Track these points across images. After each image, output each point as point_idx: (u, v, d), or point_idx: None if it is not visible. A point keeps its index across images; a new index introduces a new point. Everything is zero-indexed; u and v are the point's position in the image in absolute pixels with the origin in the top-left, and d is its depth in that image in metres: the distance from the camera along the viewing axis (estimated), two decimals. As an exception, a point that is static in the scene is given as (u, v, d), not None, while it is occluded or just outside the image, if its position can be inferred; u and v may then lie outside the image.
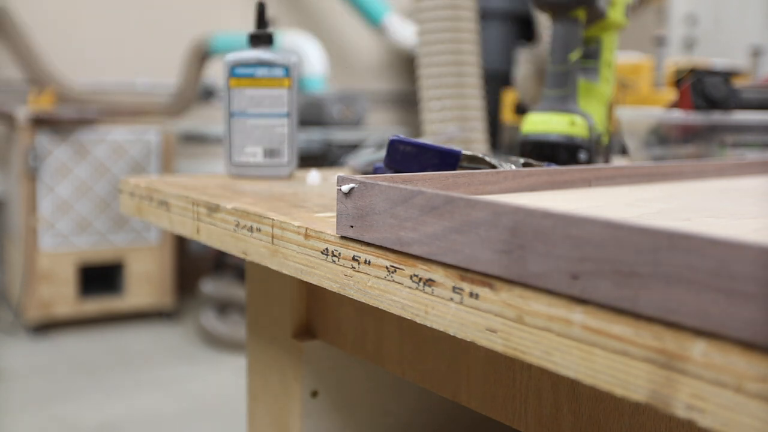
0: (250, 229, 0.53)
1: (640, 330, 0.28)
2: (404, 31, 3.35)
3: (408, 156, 0.54)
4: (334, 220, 0.48)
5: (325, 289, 0.46)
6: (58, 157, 2.67)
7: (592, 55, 0.77)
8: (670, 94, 1.72)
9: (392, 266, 0.40)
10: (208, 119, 3.35)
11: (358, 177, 0.43)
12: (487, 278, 0.35)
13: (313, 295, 0.66)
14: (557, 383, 0.45)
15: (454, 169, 0.55)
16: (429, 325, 0.38)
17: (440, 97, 1.13)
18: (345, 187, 0.43)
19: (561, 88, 0.72)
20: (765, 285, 0.25)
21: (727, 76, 0.89)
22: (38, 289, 2.66)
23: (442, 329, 0.37)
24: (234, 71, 0.69)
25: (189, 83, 3.02)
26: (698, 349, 0.27)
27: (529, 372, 0.47)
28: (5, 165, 2.96)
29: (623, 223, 0.29)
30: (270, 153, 0.68)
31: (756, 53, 2.44)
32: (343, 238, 0.44)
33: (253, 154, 0.72)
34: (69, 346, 2.59)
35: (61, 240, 2.70)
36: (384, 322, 0.58)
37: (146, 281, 2.85)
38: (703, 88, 0.87)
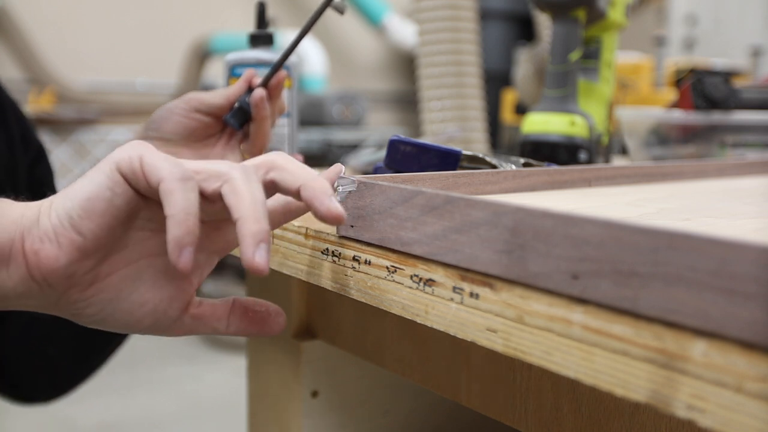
0: (250, 229, 0.53)
1: (640, 330, 0.28)
2: (404, 31, 3.35)
3: (408, 156, 0.54)
4: (334, 220, 0.48)
5: (325, 289, 0.46)
6: (58, 157, 2.67)
7: (592, 55, 0.77)
8: (670, 94, 1.72)
9: (392, 266, 0.40)
10: (208, 119, 3.33)
11: (358, 177, 0.43)
12: (487, 278, 0.35)
13: (313, 295, 0.66)
14: (557, 383, 0.45)
15: (454, 169, 0.55)
16: (429, 325, 0.38)
17: (440, 97, 1.13)
18: (341, 190, 0.43)
19: (561, 88, 0.72)
20: (765, 285, 0.25)
21: (727, 76, 0.89)
22: (38, 289, 2.65)
23: (442, 329, 0.37)
24: (234, 71, 0.69)
25: (189, 83, 3.02)
26: (698, 349, 0.27)
27: (529, 372, 0.47)
28: (5, 165, 2.96)
29: (623, 223, 0.29)
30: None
31: (756, 53, 2.43)
32: (343, 237, 0.44)
33: (253, 154, 0.72)
34: (69, 346, 2.58)
35: (61, 240, 2.69)
36: (384, 322, 0.58)
37: (146, 281, 2.84)
38: (703, 88, 0.87)
